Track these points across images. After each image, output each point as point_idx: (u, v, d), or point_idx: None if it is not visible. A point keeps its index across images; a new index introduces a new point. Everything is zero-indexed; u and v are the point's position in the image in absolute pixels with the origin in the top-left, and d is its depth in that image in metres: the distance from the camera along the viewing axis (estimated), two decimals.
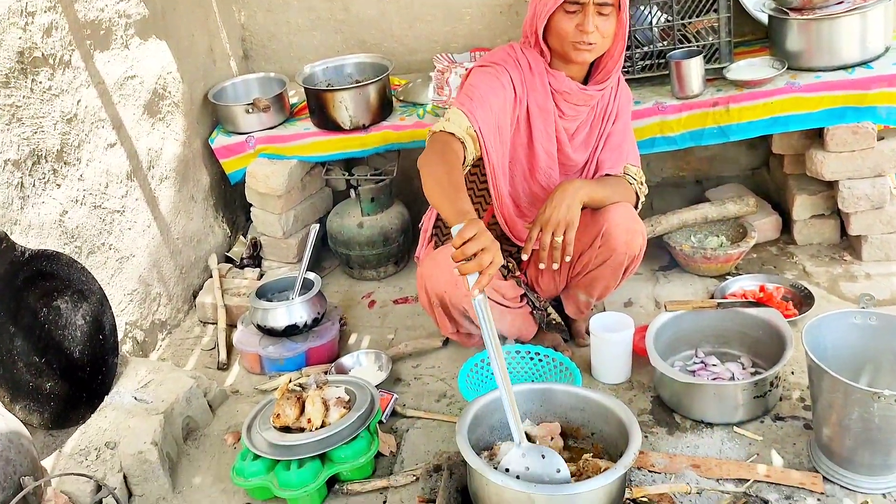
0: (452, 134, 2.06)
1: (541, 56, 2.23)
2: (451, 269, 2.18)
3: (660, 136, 2.81)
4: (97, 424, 2.25)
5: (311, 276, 2.78)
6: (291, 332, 2.65)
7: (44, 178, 2.35)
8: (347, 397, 2.22)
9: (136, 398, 2.34)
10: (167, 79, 2.97)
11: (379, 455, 2.21)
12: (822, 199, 2.91)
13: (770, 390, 2.18)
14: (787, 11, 2.73)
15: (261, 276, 3.12)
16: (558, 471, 1.76)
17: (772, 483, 1.97)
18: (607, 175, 2.34)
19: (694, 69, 2.71)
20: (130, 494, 2.19)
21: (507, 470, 1.75)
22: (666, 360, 2.33)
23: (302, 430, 2.14)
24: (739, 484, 1.98)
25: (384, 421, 2.35)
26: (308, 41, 3.46)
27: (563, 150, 2.33)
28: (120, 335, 2.58)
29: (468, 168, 2.15)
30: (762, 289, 2.70)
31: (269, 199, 3.10)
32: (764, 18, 2.91)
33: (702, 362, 2.40)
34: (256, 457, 2.12)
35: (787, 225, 3.04)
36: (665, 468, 2.05)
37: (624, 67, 2.67)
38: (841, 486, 1.94)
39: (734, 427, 2.17)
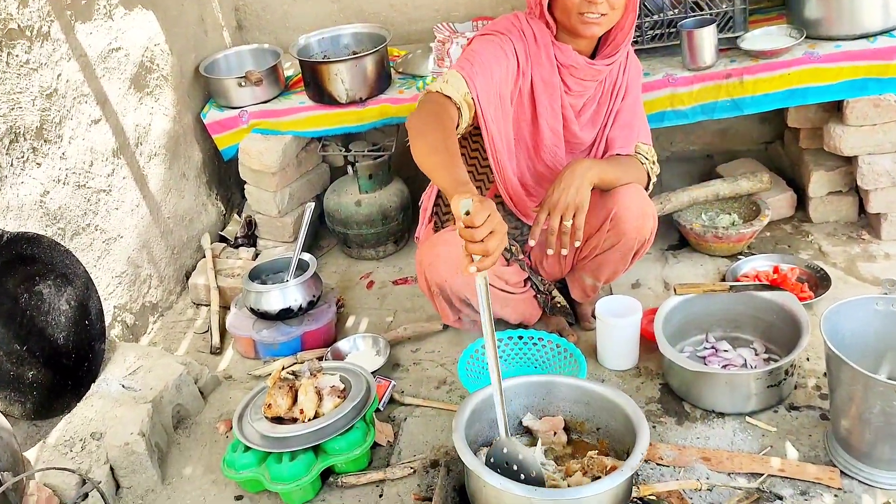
0: (449, 97, 1.94)
1: (546, 28, 2.11)
2: (450, 258, 2.10)
3: (670, 110, 2.72)
4: (83, 414, 2.17)
5: (307, 256, 2.68)
6: (286, 315, 2.56)
7: (22, 156, 2.25)
8: (342, 386, 2.13)
9: (123, 386, 2.26)
10: (154, 51, 2.85)
11: (376, 445, 2.13)
12: (839, 175, 2.81)
13: (785, 379, 2.08)
14: None
15: (256, 255, 3.03)
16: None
17: (786, 477, 1.89)
18: (618, 154, 2.24)
19: (706, 39, 2.62)
20: (118, 486, 2.12)
21: (491, 461, 1.67)
22: (675, 345, 2.24)
23: (294, 420, 2.05)
24: (752, 478, 1.89)
25: (381, 409, 2.27)
26: (304, 10, 3.35)
27: (570, 127, 2.22)
28: (108, 319, 2.49)
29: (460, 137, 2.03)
30: (776, 269, 2.60)
31: (264, 176, 2.99)
32: None
33: (713, 348, 2.30)
34: (247, 448, 2.04)
35: (802, 202, 2.94)
36: (674, 461, 1.96)
37: (633, 38, 2.55)
38: (860, 481, 1.85)
39: (746, 417, 2.08)
